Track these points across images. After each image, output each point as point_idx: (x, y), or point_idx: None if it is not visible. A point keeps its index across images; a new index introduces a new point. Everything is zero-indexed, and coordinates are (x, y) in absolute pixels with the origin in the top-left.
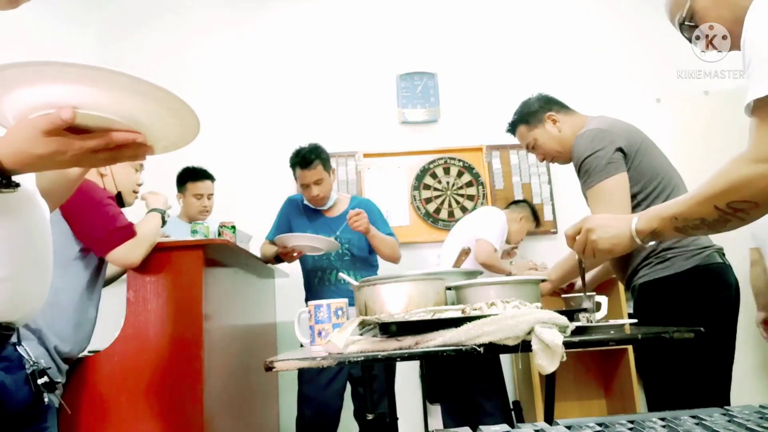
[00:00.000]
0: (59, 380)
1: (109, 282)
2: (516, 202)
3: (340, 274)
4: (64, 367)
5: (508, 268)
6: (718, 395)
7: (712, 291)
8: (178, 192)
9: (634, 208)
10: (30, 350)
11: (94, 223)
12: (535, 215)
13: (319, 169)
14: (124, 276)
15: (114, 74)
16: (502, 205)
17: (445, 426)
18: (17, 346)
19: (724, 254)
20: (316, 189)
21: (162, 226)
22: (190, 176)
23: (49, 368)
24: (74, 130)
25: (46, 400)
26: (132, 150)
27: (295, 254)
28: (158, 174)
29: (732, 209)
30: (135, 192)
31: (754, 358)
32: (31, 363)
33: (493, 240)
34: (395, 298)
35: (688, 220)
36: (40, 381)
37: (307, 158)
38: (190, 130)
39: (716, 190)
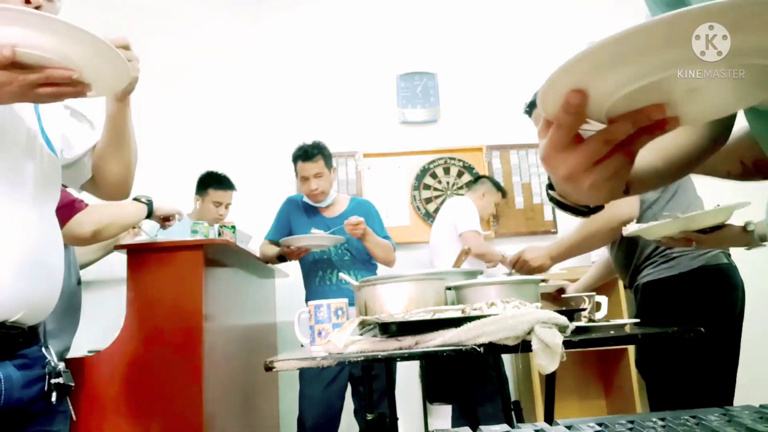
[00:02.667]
0: (71, 384)
1: (86, 265)
2: (474, 180)
3: (341, 274)
4: (60, 365)
5: (499, 251)
6: (722, 396)
7: (718, 292)
8: (197, 194)
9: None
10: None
11: None
12: (497, 185)
13: (320, 163)
14: (124, 276)
15: (45, 18)
16: (503, 205)
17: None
18: (42, 347)
19: (729, 255)
20: (315, 182)
21: (147, 217)
22: (215, 182)
23: (66, 371)
24: (21, 68)
25: (53, 400)
26: (71, 87)
27: (298, 253)
28: (166, 174)
29: None
30: None
31: (762, 360)
32: (53, 365)
33: (473, 226)
34: (395, 298)
35: None
36: (53, 381)
37: (309, 151)
38: (121, 72)
39: None
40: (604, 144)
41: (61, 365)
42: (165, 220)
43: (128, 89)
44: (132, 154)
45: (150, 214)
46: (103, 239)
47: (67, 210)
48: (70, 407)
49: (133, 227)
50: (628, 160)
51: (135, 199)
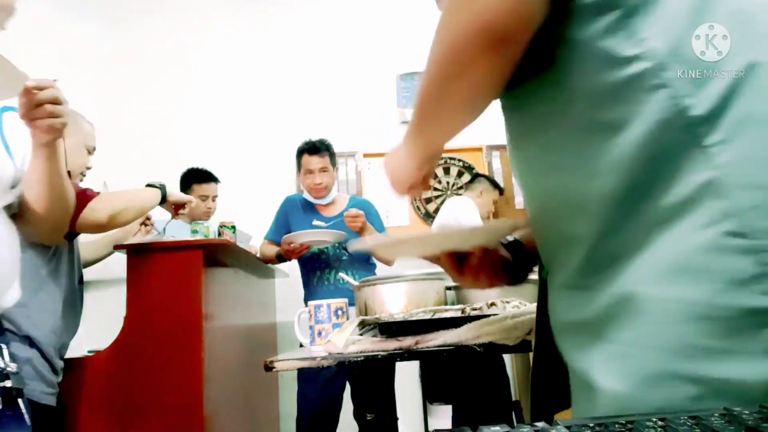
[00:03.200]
0: (20, 387)
1: (91, 263)
2: (471, 180)
3: (340, 274)
4: (60, 365)
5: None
6: None
7: None
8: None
9: None
10: (21, 352)
11: None
12: (493, 183)
13: (326, 158)
14: (124, 276)
15: None
16: (503, 204)
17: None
18: None
19: None
20: (319, 177)
21: (161, 203)
22: (196, 178)
23: (15, 374)
24: None
25: None
26: None
27: (299, 250)
28: (158, 173)
29: None
30: (83, 174)
31: None
32: (1, 366)
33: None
34: (395, 298)
35: None
36: None
37: (316, 145)
38: (12, 75)
39: None
40: (451, 270)
41: (13, 367)
42: (177, 209)
43: (49, 138)
44: (52, 204)
45: (164, 200)
46: (119, 224)
47: (79, 199)
48: (24, 411)
49: (144, 224)
50: (477, 276)
51: (148, 184)
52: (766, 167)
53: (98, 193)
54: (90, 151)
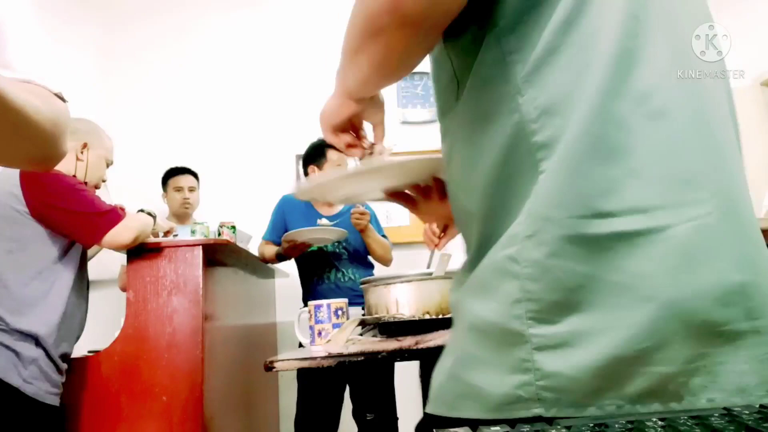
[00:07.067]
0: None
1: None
2: None
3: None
4: (63, 366)
5: None
6: None
7: None
8: (163, 192)
9: None
10: (28, 352)
11: (76, 215)
12: None
13: (313, 174)
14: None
15: None
16: None
17: None
18: None
19: None
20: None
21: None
22: (170, 173)
23: None
24: None
25: None
26: None
27: (300, 248)
28: (157, 174)
29: None
30: (96, 187)
31: None
32: None
33: None
34: (403, 296)
35: None
36: None
37: (306, 171)
38: None
39: None
40: (407, 205)
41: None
42: (165, 234)
43: None
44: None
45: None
46: (135, 245)
47: (110, 217)
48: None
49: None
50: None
51: (141, 210)
52: (556, 199)
53: (120, 214)
54: (108, 165)
